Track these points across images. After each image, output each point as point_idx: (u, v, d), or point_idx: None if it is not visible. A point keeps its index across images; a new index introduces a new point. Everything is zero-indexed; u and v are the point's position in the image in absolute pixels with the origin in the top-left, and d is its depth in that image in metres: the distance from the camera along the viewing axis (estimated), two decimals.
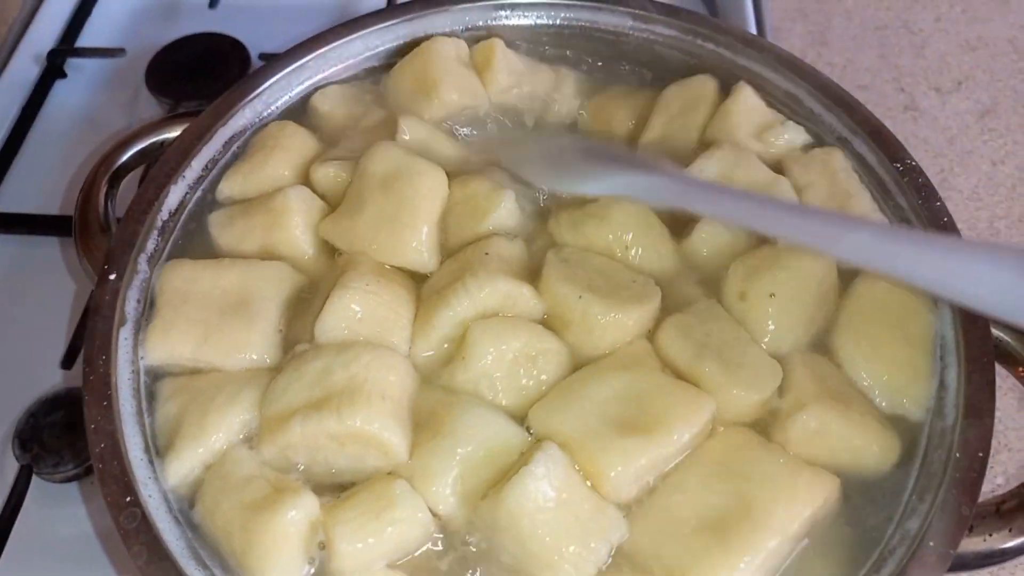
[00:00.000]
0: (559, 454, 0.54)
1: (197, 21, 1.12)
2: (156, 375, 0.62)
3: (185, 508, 0.56)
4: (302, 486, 0.55)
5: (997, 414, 0.85)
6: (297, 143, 0.72)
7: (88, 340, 0.58)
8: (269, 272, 0.64)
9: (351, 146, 0.71)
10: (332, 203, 0.69)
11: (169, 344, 0.61)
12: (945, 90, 1.14)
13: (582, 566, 0.52)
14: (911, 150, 1.08)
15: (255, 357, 0.61)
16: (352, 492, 0.55)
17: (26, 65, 1.08)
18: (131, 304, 0.62)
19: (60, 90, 1.08)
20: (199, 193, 0.70)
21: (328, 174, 0.70)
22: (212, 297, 0.62)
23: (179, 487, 0.57)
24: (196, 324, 0.61)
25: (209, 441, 0.57)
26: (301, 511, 0.53)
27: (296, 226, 0.66)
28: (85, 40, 1.13)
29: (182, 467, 0.57)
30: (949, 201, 1.04)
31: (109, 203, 0.69)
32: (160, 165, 0.67)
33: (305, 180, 0.71)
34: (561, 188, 0.66)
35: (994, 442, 0.84)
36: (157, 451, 0.58)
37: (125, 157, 0.71)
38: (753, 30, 1.10)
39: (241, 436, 0.58)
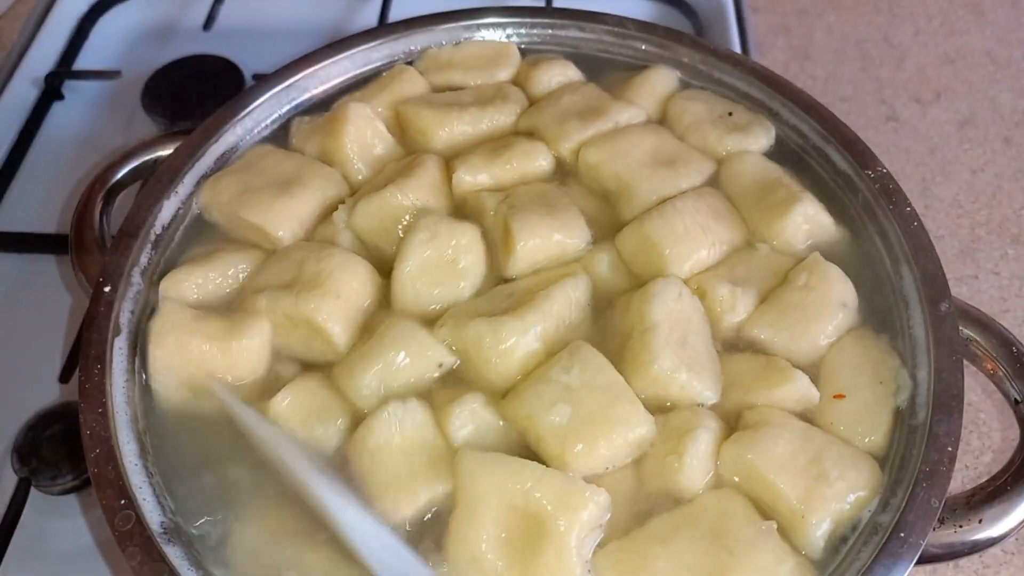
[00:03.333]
0: (415, 408, 0.58)
1: (192, 43, 1.15)
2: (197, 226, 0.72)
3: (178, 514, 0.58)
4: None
5: (981, 414, 0.88)
6: (407, 87, 0.79)
7: (84, 350, 0.60)
8: (323, 171, 0.72)
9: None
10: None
11: (217, 189, 0.71)
12: (925, 101, 1.16)
13: (400, 507, 0.56)
14: (893, 160, 1.12)
15: (273, 225, 0.68)
16: None
17: (25, 88, 1.10)
18: (125, 316, 0.64)
19: (58, 112, 1.10)
20: (193, 207, 0.72)
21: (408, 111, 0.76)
22: (270, 172, 0.72)
23: (168, 290, 0.65)
24: (243, 183, 0.71)
25: (206, 270, 0.66)
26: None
27: (348, 134, 0.72)
28: (82, 63, 1.15)
29: (178, 275, 0.66)
30: (931, 209, 1.07)
31: (104, 219, 0.71)
32: (154, 182, 0.69)
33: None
34: None
35: (976, 440, 0.87)
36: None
37: (120, 175, 0.73)
38: (737, 45, 1.13)
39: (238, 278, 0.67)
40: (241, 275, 0.67)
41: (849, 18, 1.26)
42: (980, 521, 0.54)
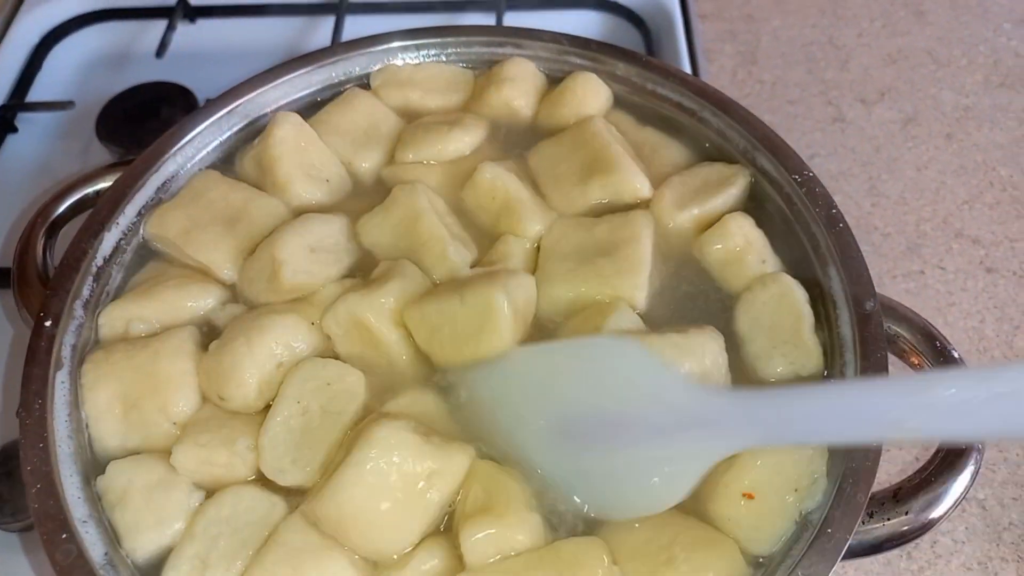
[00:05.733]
0: None
1: (145, 71, 1.15)
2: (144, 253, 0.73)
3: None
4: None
5: None
6: (368, 109, 0.80)
7: (25, 385, 0.60)
8: (267, 205, 0.73)
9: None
10: None
11: (164, 223, 0.71)
12: (870, 101, 1.19)
13: None
14: (840, 160, 1.14)
15: (219, 265, 0.70)
16: None
17: None
18: (67, 349, 0.64)
19: (11, 144, 1.10)
20: (135, 239, 0.73)
21: None
22: (216, 205, 0.72)
23: (104, 325, 0.67)
24: (190, 218, 0.71)
25: (141, 306, 0.67)
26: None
27: (274, 137, 0.73)
28: (35, 94, 1.15)
29: (114, 310, 0.67)
30: (878, 207, 1.09)
31: (47, 253, 0.71)
32: (93, 214, 0.69)
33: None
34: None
35: None
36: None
37: (62, 208, 0.73)
38: (685, 52, 1.15)
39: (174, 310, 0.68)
40: (178, 309, 0.68)
41: (795, 22, 1.29)
42: (907, 513, 0.56)
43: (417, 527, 0.57)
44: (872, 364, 0.59)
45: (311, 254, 0.68)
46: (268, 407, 0.62)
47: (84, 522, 0.56)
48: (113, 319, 0.67)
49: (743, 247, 0.68)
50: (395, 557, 0.56)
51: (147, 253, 0.73)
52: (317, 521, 0.57)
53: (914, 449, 0.86)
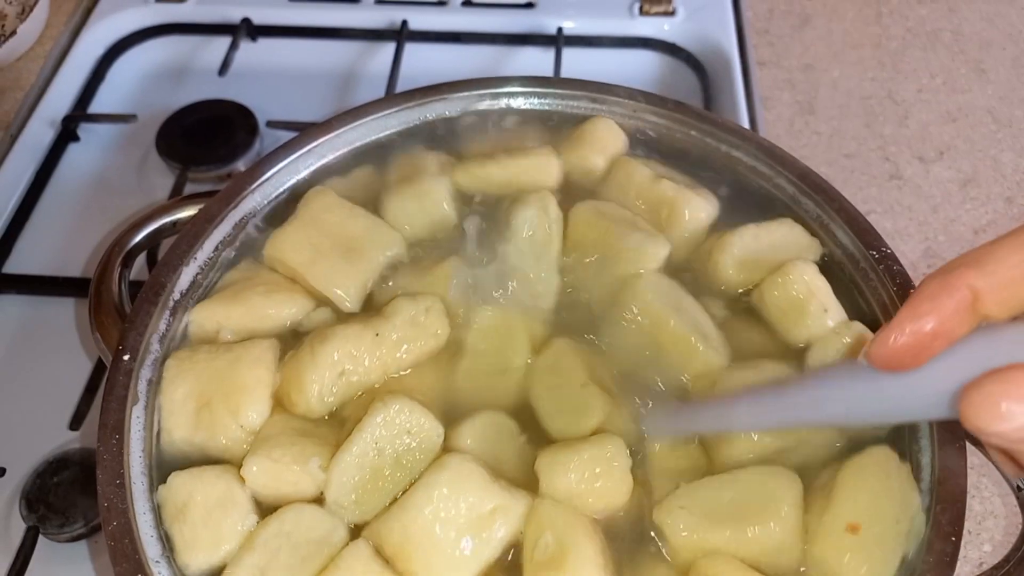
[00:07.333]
0: None
1: (206, 88, 1.17)
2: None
3: None
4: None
5: (983, 480, 0.89)
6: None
7: (102, 421, 0.61)
8: (386, 236, 0.74)
9: None
10: None
11: (286, 249, 0.72)
12: (928, 159, 1.18)
13: None
14: (896, 218, 1.13)
15: (341, 293, 0.71)
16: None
17: (42, 129, 1.12)
18: (143, 384, 0.65)
19: (73, 153, 1.12)
20: (212, 273, 0.74)
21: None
22: (334, 232, 0.73)
23: (194, 322, 0.70)
24: (311, 246, 0.72)
25: (230, 310, 0.69)
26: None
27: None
28: (98, 106, 1.17)
29: (204, 310, 0.70)
30: (933, 269, 1.08)
31: (122, 283, 0.72)
32: (172, 248, 0.70)
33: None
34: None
35: (980, 508, 0.88)
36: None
37: (138, 238, 0.74)
38: (742, 98, 1.15)
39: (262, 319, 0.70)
40: (263, 318, 0.70)
41: (854, 74, 1.28)
42: None
43: (477, 561, 0.58)
44: (951, 454, 0.58)
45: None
46: (330, 415, 0.65)
47: (157, 562, 0.57)
48: (203, 319, 0.69)
49: (806, 296, 0.68)
50: None
51: (223, 286, 0.73)
52: (380, 542, 0.58)
53: (991, 543, 0.85)
